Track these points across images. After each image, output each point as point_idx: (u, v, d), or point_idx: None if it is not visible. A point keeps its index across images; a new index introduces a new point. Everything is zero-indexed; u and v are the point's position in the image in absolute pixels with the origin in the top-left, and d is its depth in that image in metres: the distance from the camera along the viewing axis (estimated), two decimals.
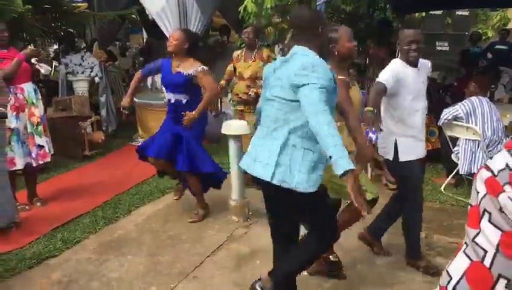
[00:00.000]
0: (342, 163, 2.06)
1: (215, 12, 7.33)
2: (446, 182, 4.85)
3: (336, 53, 2.82)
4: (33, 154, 4.35)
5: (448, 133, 4.76)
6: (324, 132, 2.11)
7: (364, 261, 3.46)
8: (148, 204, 4.58)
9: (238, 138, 4.05)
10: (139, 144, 4.59)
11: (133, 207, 4.49)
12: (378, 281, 3.19)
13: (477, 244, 0.71)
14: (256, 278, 2.72)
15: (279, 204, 2.55)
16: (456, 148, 4.67)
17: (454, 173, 4.75)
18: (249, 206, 4.20)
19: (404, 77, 3.12)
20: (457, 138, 4.68)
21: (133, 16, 9.20)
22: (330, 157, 2.09)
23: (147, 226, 4.10)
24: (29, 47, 4.22)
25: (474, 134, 4.45)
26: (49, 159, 4.56)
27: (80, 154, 6.06)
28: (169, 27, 6.02)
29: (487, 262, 0.67)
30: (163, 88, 4.15)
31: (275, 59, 4.51)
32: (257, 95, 4.48)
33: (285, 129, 2.35)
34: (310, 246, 2.57)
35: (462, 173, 4.59)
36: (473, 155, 4.44)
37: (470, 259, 0.71)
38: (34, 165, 4.39)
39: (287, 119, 2.35)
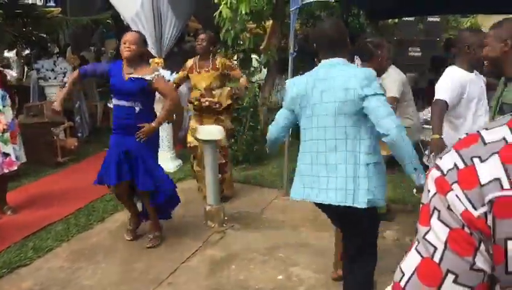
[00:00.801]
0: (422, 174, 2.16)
1: (191, 17, 7.32)
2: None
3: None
4: None
5: (420, 137, 4.85)
6: (405, 142, 2.18)
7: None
8: (122, 211, 4.52)
9: (212, 143, 4.05)
10: None
11: (107, 214, 4.44)
12: None
13: (427, 241, 0.74)
14: (232, 283, 2.72)
15: (350, 221, 2.51)
16: (427, 151, 4.76)
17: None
18: (224, 211, 4.20)
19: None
20: (428, 142, 4.77)
21: (108, 21, 9.14)
22: (415, 169, 2.17)
23: (121, 233, 4.05)
24: None
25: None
26: (15, 168, 4.46)
27: (53, 161, 5.96)
28: (144, 32, 5.99)
29: (437, 258, 0.70)
30: (113, 96, 3.71)
31: (231, 67, 4.51)
32: (210, 104, 4.41)
33: (349, 148, 2.28)
34: (373, 262, 2.61)
35: None
36: None
37: (421, 255, 0.74)
38: None
39: (350, 136, 2.28)
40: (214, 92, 4.48)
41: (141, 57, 3.63)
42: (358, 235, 2.52)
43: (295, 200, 2.56)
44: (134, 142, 3.53)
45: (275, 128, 2.64)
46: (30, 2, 6.87)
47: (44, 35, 7.99)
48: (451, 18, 14.67)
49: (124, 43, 3.49)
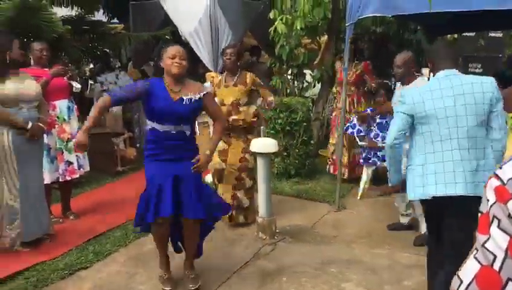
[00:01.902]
0: None
1: (246, 33, 7.47)
2: None
3: None
4: (60, 170, 4.49)
5: None
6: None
7: (393, 281, 3.42)
8: None
9: (266, 156, 4.09)
10: None
11: None
12: None
13: (487, 249, 0.74)
14: None
15: (467, 213, 2.44)
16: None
17: None
18: (276, 224, 4.22)
19: None
20: None
21: (167, 36, 9.48)
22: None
23: None
24: (57, 66, 4.38)
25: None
26: (77, 176, 4.67)
27: (113, 169, 6.23)
28: (201, 47, 6.19)
29: (496, 266, 0.69)
30: (153, 120, 3.09)
31: (260, 84, 4.41)
32: (234, 123, 4.22)
33: (479, 146, 2.59)
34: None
35: None
36: None
37: (480, 263, 0.74)
38: (61, 180, 4.52)
39: (479, 135, 2.59)
40: (240, 109, 4.28)
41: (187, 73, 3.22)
42: (465, 228, 2.51)
43: (417, 199, 2.71)
44: (186, 167, 3.10)
45: (396, 128, 2.72)
46: (96, 18, 7.24)
47: (108, 50, 8.41)
48: None
49: (173, 58, 3.02)
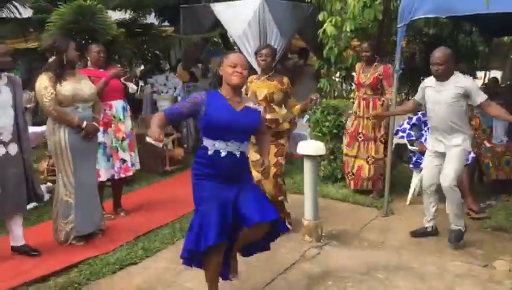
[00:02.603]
0: None
1: (295, 35, 7.47)
2: None
3: None
4: (116, 168, 4.64)
5: None
6: None
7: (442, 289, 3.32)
8: None
9: (313, 158, 4.06)
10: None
11: None
12: None
13: None
14: None
15: None
16: None
17: None
18: (322, 227, 4.18)
19: None
20: None
21: (215, 38, 9.61)
22: None
23: None
24: (117, 67, 4.55)
25: None
26: (130, 173, 4.83)
27: (162, 169, 6.37)
28: (250, 50, 6.23)
29: None
30: (211, 136, 2.76)
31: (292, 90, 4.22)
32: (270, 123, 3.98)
33: None
34: None
35: None
36: None
37: None
38: (116, 177, 4.68)
39: None
40: (273, 106, 4.09)
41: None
42: None
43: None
44: (239, 185, 2.85)
45: None
46: (148, 22, 7.44)
47: (158, 53, 8.63)
48: None
49: (235, 67, 2.72)
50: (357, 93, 5.35)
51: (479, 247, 4.01)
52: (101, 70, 4.49)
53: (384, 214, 4.79)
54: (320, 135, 5.75)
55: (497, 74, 10.18)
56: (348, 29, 5.61)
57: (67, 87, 3.81)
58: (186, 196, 5.36)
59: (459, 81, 3.85)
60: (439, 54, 3.84)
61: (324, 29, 5.85)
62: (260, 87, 4.11)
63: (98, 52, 4.51)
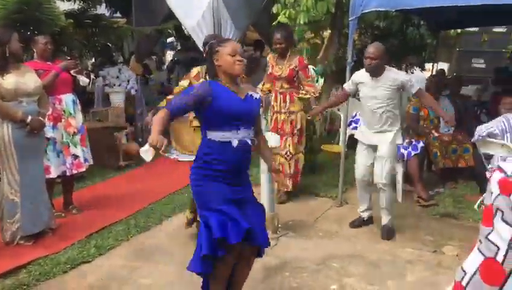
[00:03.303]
0: None
1: (249, 28, 7.44)
2: (480, 200, 4.73)
3: None
4: (67, 164, 4.49)
5: (483, 150, 4.66)
6: None
7: (395, 276, 3.42)
8: (180, 214, 4.65)
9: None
10: (173, 156, 4.42)
11: (164, 216, 4.58)
12: None
13: (490, 241, 0.73)
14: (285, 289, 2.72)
15: None
16: (490, 165, 4.57)
17: None
18: (279, 219, 4.21)
19: None
20: (491, 156, 4.58)
21: (169, 30, 9.45)
22: None
23: (178, 235, 4.16)
24: (67, 59, 4.39)
25: (509, 152, 4.34)
26: (83, 169, 4.70)
27: (115, 164, 6.22)
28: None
29: (500, 258, 0.68)
30: (220, 130, 2.61)
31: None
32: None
33: None
34: None
35: None
36: None
37: (484, 255, 0.73)
38: (68, 174, 4.53)
39: None
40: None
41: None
42: None
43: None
44: (245, 188, 2.78)
45: None
46: (99, 12, 7.21)
47: (110, 45, 8.39)
48: None
49: (234, 55, 2.60)
50: (266, 85, 5.07)
51: (429, 233, 4.16)
52: (48, 62, 4.32)
53: (339, 204, 4.88)
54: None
55: (444, 65, 10.56)
56: (301, 22, 5.63)
57: (9, 81, 3.64)
58: (140, 191, 5.34)
59: (392, 75, 3.97)
60: (373, 49, 3.92)
61: (278, 22, 5.85)
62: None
63: (45, 43, 4.33)
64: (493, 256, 0.61)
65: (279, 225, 4.21)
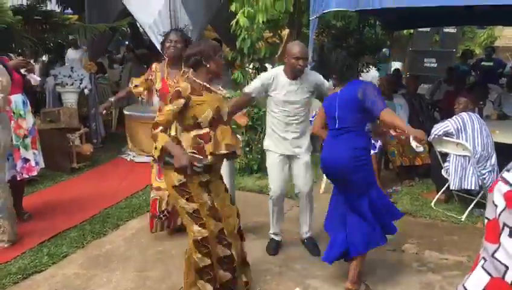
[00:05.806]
0: None
1: (207, 26, 7.34)
2: (436, 197, 4.87)
3: None
4: (18, 168, 4.27)
5: (439, 148, 4.79)
6: None
7: None
8: (137, 218, 4.51)
9: None
10: (129, 157, 4.30)
11: (122, 221, 4.42)
12: None
13: (497, 259, 0.68)
14: None
15: None
16: (446, 164, 4.70)
17: (444, 188, 4.77)
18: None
19: None
20: (447, 154, 4.71)
21: (123, 28, 9.20)
22: None
23: (136, 240, 4.03)
24: (17, 58, 4.16)
25: (464, 150, 4.48)
26: (35, 173, 4.48)
27: (68, 166, 5.97)
28: (161, 39, 6.01)
29: (509, 278, 0.64)
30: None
31: None
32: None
33: None
34: None
35: (453, 189, 4.61)
36: (464, 171, 4.46)
37: (490, 275, 0.68)
38: (19, 178, 4.30)
39: None
40: None
41: None
42: None
43: None
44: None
45: None
46: (49, 9, 6.91)
47: (62, 42, 8.06)
48: (467, 29, 14.58)
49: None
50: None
51: None
52: None
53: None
54: (235, 127, 5.71)
55: (398, 64, 10.84)
56: (260, 21, 5.60)
57: None
58: (95, 195, 5.15)
59: (309, 77, 3.61)
60: (301, 48, 3.44)
61: (237, 20, 5.79)
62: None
63: None
64: (501, 276, 0.59)
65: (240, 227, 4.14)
